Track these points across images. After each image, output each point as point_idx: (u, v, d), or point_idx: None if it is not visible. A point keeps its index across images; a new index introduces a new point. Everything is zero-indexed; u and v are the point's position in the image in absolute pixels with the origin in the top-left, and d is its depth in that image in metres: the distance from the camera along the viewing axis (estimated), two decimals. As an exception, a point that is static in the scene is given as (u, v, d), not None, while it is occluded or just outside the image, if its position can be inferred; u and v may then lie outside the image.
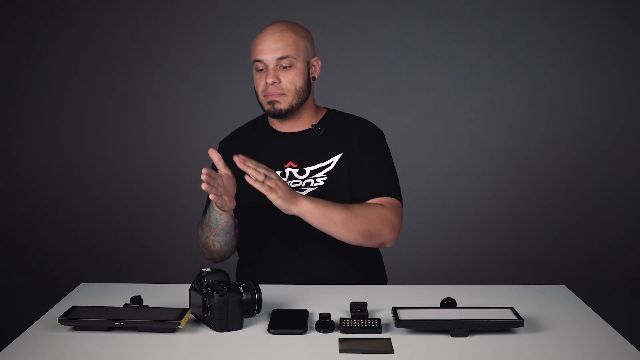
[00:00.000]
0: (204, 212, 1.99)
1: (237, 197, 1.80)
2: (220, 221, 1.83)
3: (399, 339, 1.39)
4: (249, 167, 1.66)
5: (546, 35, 3.62)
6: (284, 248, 1.92)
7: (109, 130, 3.73)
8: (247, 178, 1.66)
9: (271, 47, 1.90)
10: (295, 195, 1.73)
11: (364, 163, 1.94)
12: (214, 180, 1.68)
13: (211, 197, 1.68)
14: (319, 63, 2.00)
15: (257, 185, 1.66)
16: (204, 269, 1.49)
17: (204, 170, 1.64)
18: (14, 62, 3.72)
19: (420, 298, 1.64)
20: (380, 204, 1.87)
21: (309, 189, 1.92)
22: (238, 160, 1.66)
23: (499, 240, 3.64)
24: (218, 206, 1.76)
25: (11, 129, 3.75)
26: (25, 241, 3.73)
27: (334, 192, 1.91)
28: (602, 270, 3.57)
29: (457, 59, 3.65)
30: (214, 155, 1.73)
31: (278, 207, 1.71)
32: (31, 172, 3.74)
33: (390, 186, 1.94)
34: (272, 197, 1.68)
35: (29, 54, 3.71)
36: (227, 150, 1.91)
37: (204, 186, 1.64)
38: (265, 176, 1.67)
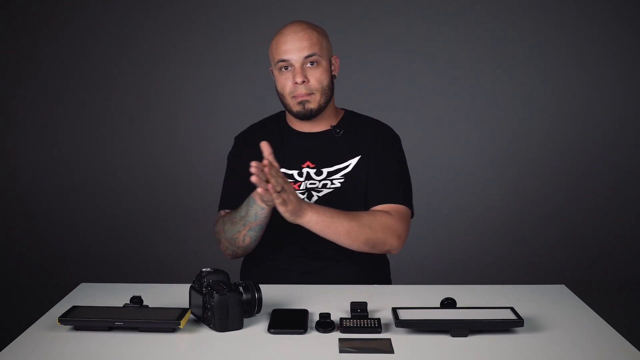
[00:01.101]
0: (219, 208, 1.97)
1: (247, 195, 1.79)
2: (260, 216, 1.78)
3: (399, 339, 1.39)
4: (272, 176, 1.61)
5: (546, 35, 3.62)
6: (294, 248, 1.90)
7: (109, 130, 3.73)
8: (255, 180, 1.59)
9: (296, 46, 1.86)
10: (303, 206, 1.72)
11: (375, 168, 1.92)
12: (264, 174, 1.61)
13: (259, 190, 1.61)
14: (338, 61, 1.98)
15: (274, 195, 1.63)
16: (204, 269, 1.49)
17: (252, 164, 1.58)
18: (14, 62, 3.71)
19: (420, 298, 1.64)
20: (386, 212, 1.85)
21: (325, 190, 1.91)
22: (265, 164, 1.59)
23: (500, 242, 3.64)
24: (263, 200, 1.71)
25: (11, 129, 3.75)
26: (25, 241, 3.73)
27: (350, 195, 1.90)
28: (602, 270, 3.57)
29: (458, 60, 3.65)
30: (266, 149, 1.65)
31: (285, 218, 1.70)
32: (31, 172, 3.73)
33: (399, 193, 1.90)
34: (282, 209, 1.67)
35: (29, 54, 3.71)
36: (242, 145, 1.89)
37: (253, 178, 1.59)
38: (282, 188, 1.64)
